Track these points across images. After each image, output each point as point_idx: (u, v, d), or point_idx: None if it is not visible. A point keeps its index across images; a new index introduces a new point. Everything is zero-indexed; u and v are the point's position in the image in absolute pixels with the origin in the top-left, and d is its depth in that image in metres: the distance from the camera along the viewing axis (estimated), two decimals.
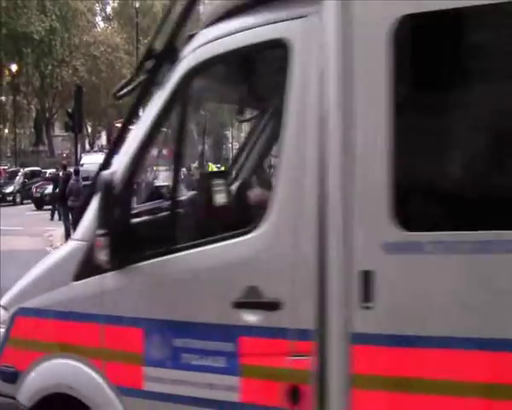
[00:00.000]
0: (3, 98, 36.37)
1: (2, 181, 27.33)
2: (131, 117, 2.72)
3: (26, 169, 28.44)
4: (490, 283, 1.99)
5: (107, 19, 47.35)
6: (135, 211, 2.82)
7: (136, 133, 2.68)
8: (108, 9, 48.31)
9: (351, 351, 2.16)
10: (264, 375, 2.37)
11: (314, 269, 2.23)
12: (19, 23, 29.31)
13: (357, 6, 2.15)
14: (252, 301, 2.36)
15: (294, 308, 2.29)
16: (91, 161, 18.74)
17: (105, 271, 2.68)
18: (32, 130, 41.19)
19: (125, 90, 2.74)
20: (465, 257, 2.00)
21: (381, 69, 2.07)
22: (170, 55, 2.58)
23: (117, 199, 2.50)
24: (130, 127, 2.72)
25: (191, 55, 2.56)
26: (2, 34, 28.73)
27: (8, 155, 39.79)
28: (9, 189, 26.40)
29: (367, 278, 2.11)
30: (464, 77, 2.10)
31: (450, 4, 2.06)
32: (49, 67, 33.00)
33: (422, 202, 2.12)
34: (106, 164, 2.79)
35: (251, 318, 2.37)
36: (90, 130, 43.08)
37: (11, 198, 26.02)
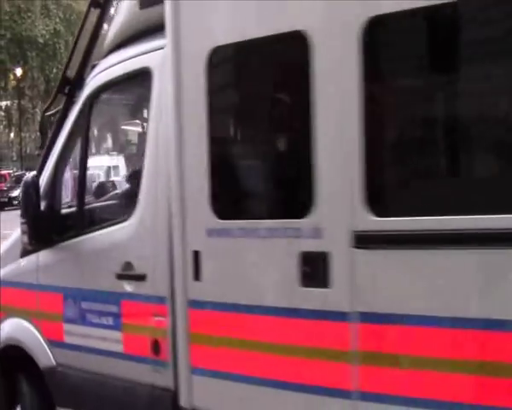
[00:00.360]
0: (9, 102, 36.16)
1: (8, 185, 27.54)
2: (57, 131, 3.45)
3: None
4: (278, 261, 2.53)
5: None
6: (60, 204, 3.56)
7: (56, 145, 3.42)
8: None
9: (189, 314, 2.78)
10: (137, 331, 3.06)
11: (166, 250, 2.88)
12: (23, 27, 29.25)
13: (183, 38, 2.67)
14: (128, 273, 3.05)
15: (155, 280, 2.97)
16: (97, 163, 18.36)
17: (39, 250, 3.46)
18: (38, 133, 40.31)
19: (52, 111, 3.50)
20: (260, 240, 2.56)
21: (201, 96, 2.64)
22: (78, 82, 3.29)
23: (35, 196, 3.25)
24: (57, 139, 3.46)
25: (91, 82, 3.26)
26: (7, 38, 28.78)
27: (14, 158, 39.51)
28: (15, 193, 25.91)
29: (196, 256, 2.72)
30: (257, 98, 2.64)
31: (256, 34, 2.50)
32: (54, 71, 32.14)
33: (229, 197, 2.72)
34: (40, 168, 3.55)
35: (128, 287, 3.07)
36: (96, 133, 42.65)
37: (17, 202, 24.72)
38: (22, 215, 3.26)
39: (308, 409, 2.47)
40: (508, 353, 2.01)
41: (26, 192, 3.24)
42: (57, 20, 31.05)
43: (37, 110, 38.84)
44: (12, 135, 41.14)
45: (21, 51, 30.52)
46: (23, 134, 37.84)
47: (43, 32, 30.04)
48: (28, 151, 40.72)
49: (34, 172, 3.31)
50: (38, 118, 40.91)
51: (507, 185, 2.05)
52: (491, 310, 2.05)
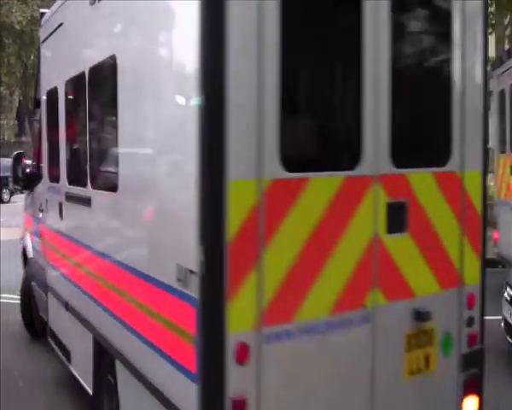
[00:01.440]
0: None
1: None
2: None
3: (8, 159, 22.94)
4: (55, 202, 4.81)
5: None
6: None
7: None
8: None
9: (46, 233, 5.19)
10: (42, 241, 5.61)
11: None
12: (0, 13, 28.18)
13: (42, 82, 5.13)
14: (40, 208, 5.63)
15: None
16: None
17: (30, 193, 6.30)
18: (16, 121, 39.87)
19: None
20: (50, 192, 4.89)
21: (44, 115, 5.04)
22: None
23: (20, 164, 6.04)
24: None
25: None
26: None
27: None
28: None
29: (46, 201, 5.12)
30: None
31: None
32: (32, 58, 30.49)
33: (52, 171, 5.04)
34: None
35: (40, 215, 5.69)
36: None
37: None
38: (11, 174, 6.14)
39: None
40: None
41: (13, 162, 6.11)
42: (34, 7, 28.45)
43: (14, 97, 37.69)
44: None
45: None
46: (0, 121, 37.05)
47: (20, 18, 28.55)
48: (6, 138, 39.59)
49: (21, 151, 6.17)
50: (16, 105, 38.86)
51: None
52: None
